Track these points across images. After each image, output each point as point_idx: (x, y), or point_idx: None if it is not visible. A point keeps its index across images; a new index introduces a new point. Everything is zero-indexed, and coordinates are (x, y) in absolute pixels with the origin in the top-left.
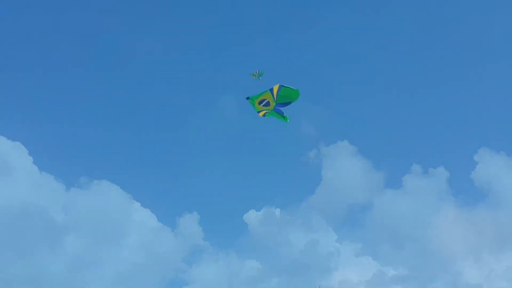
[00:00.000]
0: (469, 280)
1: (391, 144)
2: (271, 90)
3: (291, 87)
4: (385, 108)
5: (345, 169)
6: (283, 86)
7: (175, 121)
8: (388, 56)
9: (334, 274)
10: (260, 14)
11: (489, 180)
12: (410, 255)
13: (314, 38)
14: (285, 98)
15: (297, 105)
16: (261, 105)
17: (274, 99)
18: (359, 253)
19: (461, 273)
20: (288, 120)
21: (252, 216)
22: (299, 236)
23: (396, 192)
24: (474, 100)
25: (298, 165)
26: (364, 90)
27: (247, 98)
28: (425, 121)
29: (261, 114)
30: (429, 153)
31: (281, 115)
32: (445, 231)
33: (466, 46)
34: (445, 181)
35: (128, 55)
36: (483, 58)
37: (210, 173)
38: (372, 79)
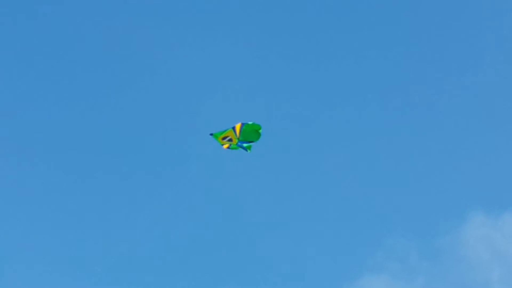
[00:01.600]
0: None
1: None
2: (234, 128)
3: (253, 123)
4: None
5: None
6: (245, 123)
7: None
8: None
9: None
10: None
11: None
12: (436, 262)
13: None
14: (248, 136)
15: None
16: (224, 140)
17: (236, 136)
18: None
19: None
20: (250, 150)
21: None
22: None
23: None
24: None
25: None
26: None
27: (211, 134)
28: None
29: (225, 146)
30: None
31: (242, 147)
32: (472, 238)
33: None
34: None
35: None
36: None
37: None
38: None
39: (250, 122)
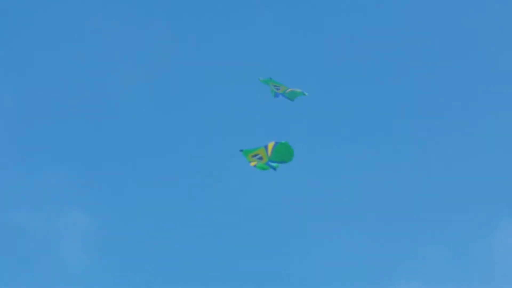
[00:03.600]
0: None
1: None
2: (266, 147)
3: (286, 142)
4: None
5: None
6: (279, 143)
7: None
8: None
9: None
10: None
11: None
12: (468, 270)
13: None
14: (280, 157)
15: None
16: (254, 158)
17: (267, 155)
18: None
19: None
20: (277, 167)
21: None
22: None
23: None
24: None
25: None
26: None
27: (241, 150)
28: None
29: (252, 164)
30: None
31: (271, 166)
32: (504, 246)
33: None
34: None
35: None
36: None
37: None
38: None
39: (283, 141)
